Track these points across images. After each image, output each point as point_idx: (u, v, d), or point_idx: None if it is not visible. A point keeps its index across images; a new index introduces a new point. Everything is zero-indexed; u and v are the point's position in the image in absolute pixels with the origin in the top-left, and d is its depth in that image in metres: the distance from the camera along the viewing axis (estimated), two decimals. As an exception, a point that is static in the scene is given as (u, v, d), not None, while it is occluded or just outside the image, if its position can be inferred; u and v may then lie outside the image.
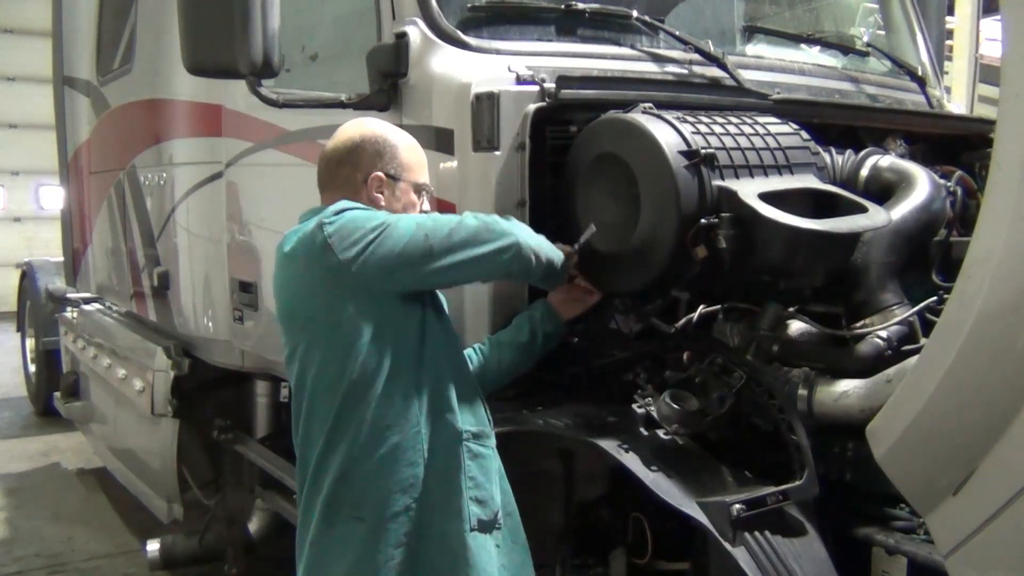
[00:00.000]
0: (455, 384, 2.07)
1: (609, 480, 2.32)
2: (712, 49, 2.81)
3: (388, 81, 2.52)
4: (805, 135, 2.39)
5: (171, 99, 3.87)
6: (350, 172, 2.14)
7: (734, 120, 2.32)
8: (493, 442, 2.10)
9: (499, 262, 2.08)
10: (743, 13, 3.29)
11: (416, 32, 2.51)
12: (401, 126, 2.30)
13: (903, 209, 2.38)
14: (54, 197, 9.44)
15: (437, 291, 2.17)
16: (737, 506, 1.84)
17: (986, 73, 6.47)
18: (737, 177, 2.19)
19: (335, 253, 1.95)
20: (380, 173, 2.13)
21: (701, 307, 2.52)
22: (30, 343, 8.08)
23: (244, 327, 3.48)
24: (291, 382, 2.12)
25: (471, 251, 2.03)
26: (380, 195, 2.13)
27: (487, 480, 2.04)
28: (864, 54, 3.63)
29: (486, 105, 2.32)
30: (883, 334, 2.17)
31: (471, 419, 2.07)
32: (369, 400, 1.98)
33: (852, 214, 2.18)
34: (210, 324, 3.76)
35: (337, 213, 2.01)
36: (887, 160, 2.59)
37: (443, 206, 2.34)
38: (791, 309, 2.35)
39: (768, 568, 1.81)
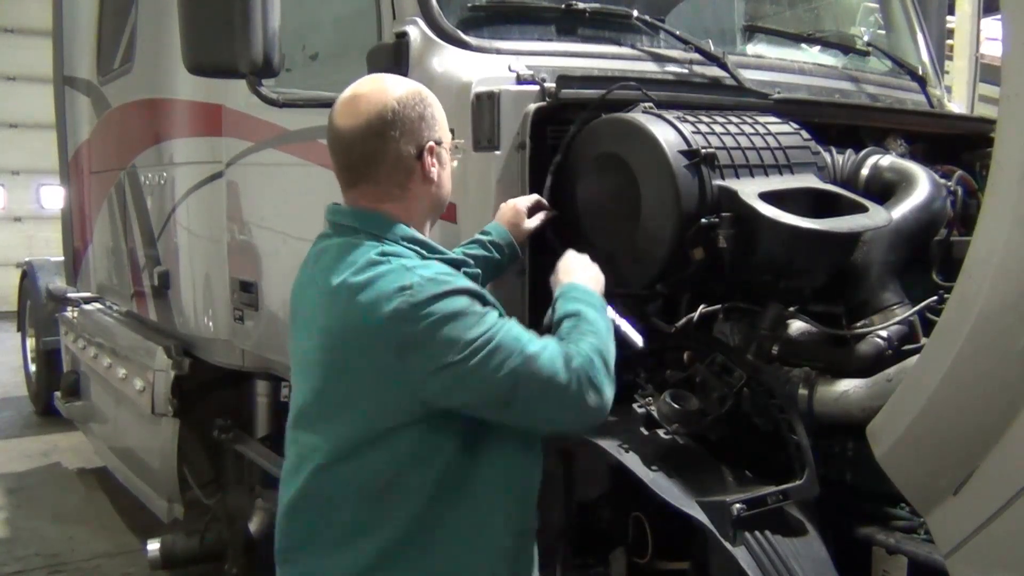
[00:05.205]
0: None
1: (609, 480, 2.32)
2: (712, 49, 2.81)
3: (388, 81, 2.52)
4: (805, 135, 2.38)
5: (171, 99, 3.87)
6: (399, 147, 1.74)
7: (734, 120, 2.32)
8: None
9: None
10: (743, 12, 3.30)
11: (416, 32, 2.50)
12: None
13: (904, 208, 2.38)
14: (55, 197, 9.46)
15: None
16: (737, 506, 1.84)
17: (987, 72, 6.48)
18: (737, 177, 2.18)
19: (411, 355, 1.63)
20: (432, 142, 1.79)
21: (701, 307, 2.52)
22: (30, 343, 8.09)
23: (245, 327, 3.48)
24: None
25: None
26: (434, 170, 1.81)
27: None
28: (864, 53, 3.63)
29: (486, 105, 2.32)
30: (883, 334, 2.17)
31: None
32: None
33: (852, 214, 2.18)
34: (210, 323, 3.76)
35: (418, 256, 1.67)
36: (887, 160, 2.58)
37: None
38: (791, 309, 2.35)
39: (768, 568, 1.81)
